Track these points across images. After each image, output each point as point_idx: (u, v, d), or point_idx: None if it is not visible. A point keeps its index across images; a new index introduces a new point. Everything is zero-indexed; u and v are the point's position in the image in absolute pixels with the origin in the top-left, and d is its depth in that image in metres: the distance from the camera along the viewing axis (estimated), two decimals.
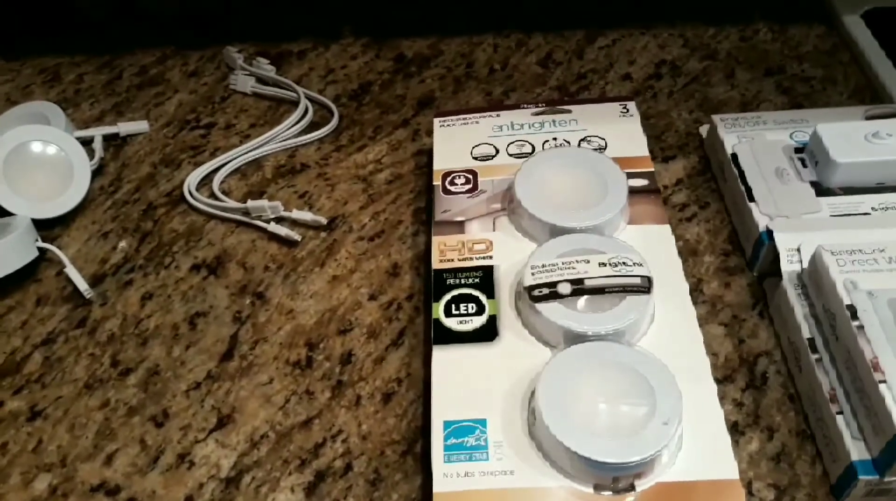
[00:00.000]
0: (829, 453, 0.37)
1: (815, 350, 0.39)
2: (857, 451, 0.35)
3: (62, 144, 0.52)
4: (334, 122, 0.57)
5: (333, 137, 0.57)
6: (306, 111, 0.58)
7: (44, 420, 0.42)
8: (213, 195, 0.52)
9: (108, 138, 0.57)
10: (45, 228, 0.51)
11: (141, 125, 0.58)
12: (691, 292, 0.42)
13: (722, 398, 0.40)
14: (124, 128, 0.58)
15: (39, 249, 0.49)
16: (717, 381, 0.41)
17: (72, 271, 0.48)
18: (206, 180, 0.54)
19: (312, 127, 0.57)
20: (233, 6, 0.69)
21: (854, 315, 0.37)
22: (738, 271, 0.46)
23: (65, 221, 0.52)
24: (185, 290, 0.48)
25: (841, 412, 0.37)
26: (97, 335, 0.46)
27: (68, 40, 0.67)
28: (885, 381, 0.34)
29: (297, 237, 0.49)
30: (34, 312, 0.47)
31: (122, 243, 0.51)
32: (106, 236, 0.51)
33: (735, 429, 0.39)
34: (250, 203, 0.50)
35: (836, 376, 0.38)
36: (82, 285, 0.47)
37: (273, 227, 0.49)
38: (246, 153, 0.55)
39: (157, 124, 0.59)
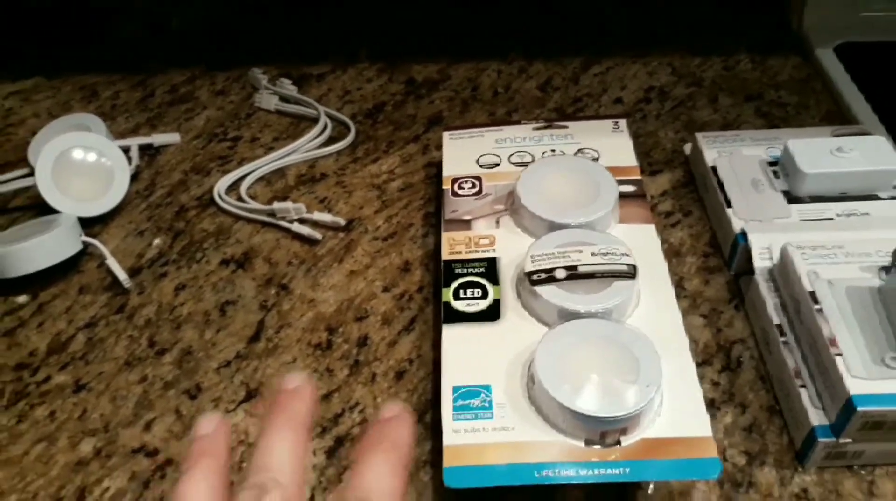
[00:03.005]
0: (794, 423, 0.42)
1: (782, 334, 0.44)
2: (817, 418, 0.40)
3: (105, 151, 0.57)
4: (351, 136, 0.62)
5: (350, 150, 0.62)
6: (325, 126, 0.63)
7: (88, 392, 0.47)
8: (240, 199, 0.57)
9: (142, 148, 0.62)
10: (87, 226, 0.56)
11: (173, 137, 0.63)
12: (674, 288, 0.47)
13: (701, 378, 0.44)
14: (158, 139, 0.63)
15: (83, 243, 0.54)
16: (697, 364, 0.45)
17: (112, 263, 0.53)
18: (233, 187, 0.59)
19: (331, 141, 0.63)
20: (258, 30, 0.75)
21: (815, 300, 0.42)
22: (717, 271, 0.51)
23: (104, 220, 0.57)
24: (215, 281, 0.53)
25: (804, 386, 0.41)
26: (135, 319, 0.51)
27: (104, 60, 0.73)
28: (840, 354, 0.39)
29: (319, 236, 0.54)
30: (77, 299, 0.52)
31: (157, 240, 0.56)
32: (142, 233, 0.56)
33: (712, 405, 0.44)
34: (276, 205, 0.55)
35: (800, 355, 0.43)
36: (122, 275, 0.52)
37: (296, 227, 0.54)
38: (270, 163, 0.60)
39: (187, 137, 0.64)
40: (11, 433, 0.45)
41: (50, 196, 0.54)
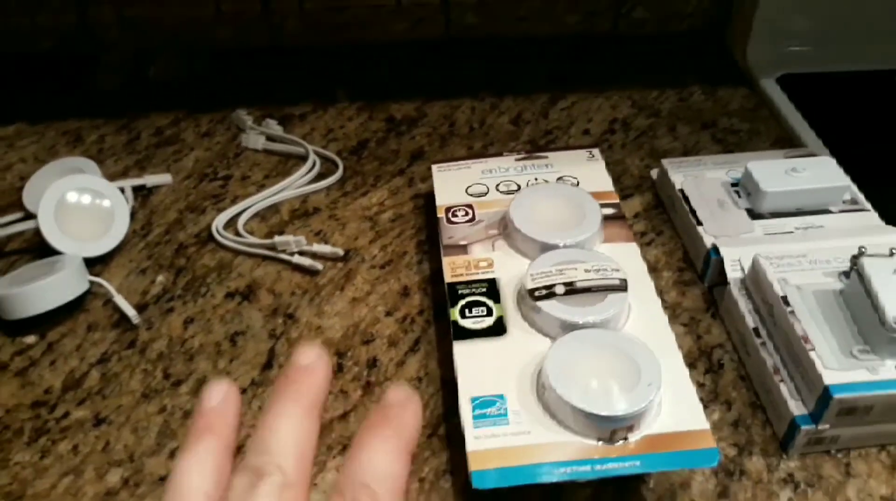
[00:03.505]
0: (776, 415, 0.46)
1: (759, 336, 0.49)
2: (797, 408, 0.45)
3: (104, 192, 0.59)
4: (339, 172, 0.66)
5: (339, 185, 0.65)
6: (315, 163, 0.66)
7: (108, 425, 0.48)
8: (237, 234, 0.60)
9: (135, 189, 0.64)
10: (88, 266, 0.57)
11: (165, 177, 0.65)
12: None
13: None
14: (150, 180, 0.65)
15: (89, 282, 0.55)
16: None
17: (120, 300, 0.54)
18: (229, 223, 0.61)
19: (319, 177, 0.66)
20: (234, 77, 0.78)
21: (787, 303, 0.47)
22: (692, 283, 0.56)
23: (104, 260, 0.59)
24: (222, 314, 0.55)
25: (783, 381, 0.46)
26: (147, 353, 0.52)
27: (85, 107, 0.74)
28: (814, 349, 0.44)
29: (320, 267, 0.57)
30: (86, 337, 0.53)
31: (160, 277, 0.57)
32: (144, 271, 0.58)
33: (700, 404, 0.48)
34: (277, 239, 0.57)
35: (776, 354, 0.47)
36: (130, 312, 0.54)
37: (297, 258, 0.57)
38: (264, 199, 0.63)
39: (178, 177, 0.66)
40: (36, 469, 0.46)
41: (53, 238, 0.56)
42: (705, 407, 0.48)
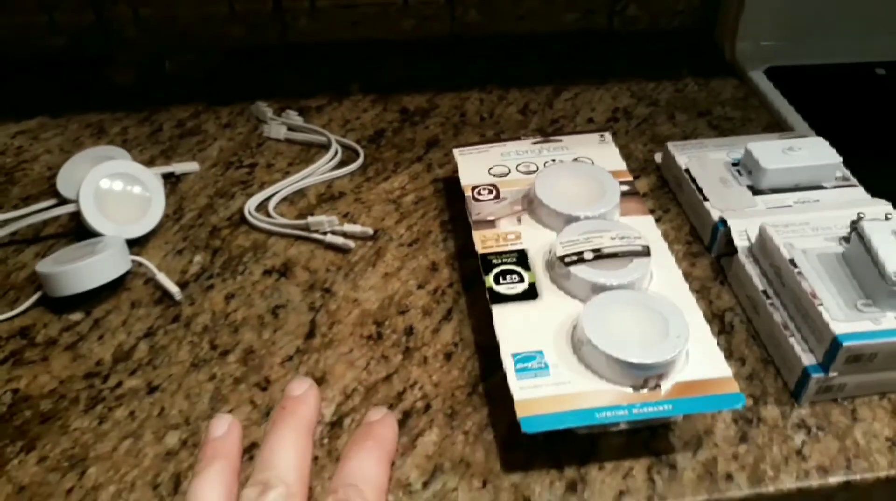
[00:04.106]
0: (787, 368, 0.50)
1: (768, 297, 0.53)
2: (808, 359, 0.49)
3: (140, 177, 0.61)
4: (361, 159, 0.69)
5: (361, 171, 0.68)
6: (337, 151, 0.69)
7: (162, 393, 0.50)
8: (269, 217, 0.63)
9: (164, 177, 0.67)
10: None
11: (192, 166, 0.68)
12: None
13: None
14: (178, 167, 0.67)
15: (132, 262, 0.57)
16: None
17: (162, 278, 0.57)
18: (259, 207, 0.64)
19: (341, 164, 0.69)
20: (249, 72, 0.80)
21: (794, 265, 0.51)
22: (700, 255, 0.60)
23: (141, 243, 0.61)
24: (262, 289, 0.57)
25: (792, 336, 0.50)
26: (192, 327, 0.55)
27: (105, 101, 0.76)
28: (822, 304, 0.48)
29: (352, 245, 0.60)
30: (131, 313, 0.56)
31: (198, 257, 0.60)
32: (181, 252, 0.61)
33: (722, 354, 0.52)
34: (311, 219, 0.60)
35: (785, 312, 0.52)
36: (173, 288, 0.56)
37: (330, 237, 0.60)
38: (292, 184, 0.66)
39: (204, 166, 0.69)
40: (96, 434, 0.48)
41: (94, 221, 0.58)
42: None
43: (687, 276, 0.58)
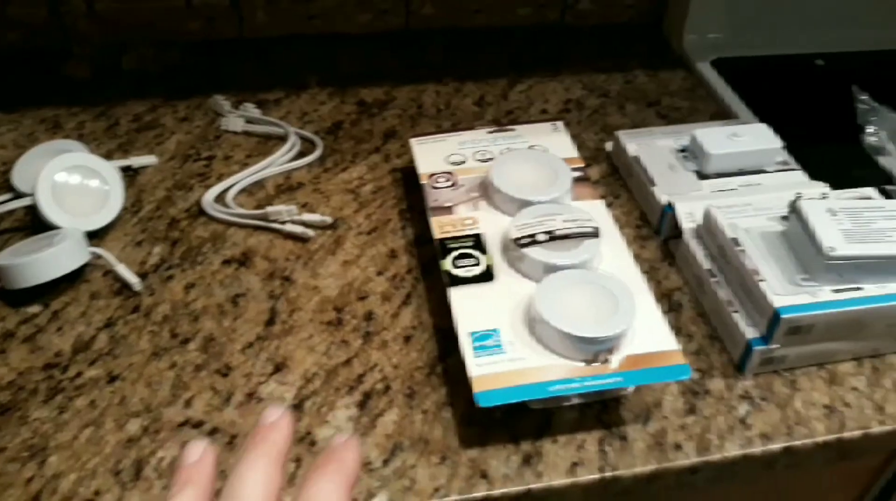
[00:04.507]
0: (732, 342, 0.53)
1: (713, 276, 0.55)
2: (751, 333, 0.51)
3: (98, 169, 0.61)
4: (319, 150, 0.70)
5: (319, 162, 0.69)
6: (295, 142, 0.70)
7: (122, 382, 0.51)
8: (228, 208, 0.63)
9: (122, 170, 0.67)
10: None
11: (150, 159, 0.68)
12: None
13: None
14: (136, 161, 0.67)
15: (90, 253, 0.58)
16: None
17: (122, 269, 0.57)
18: (217, 198, 0.65)
19: (300, 156, 0.69)
20: (207, 66, 0.81)
21: (737, 243, 0.53)
22: (649, 238, 0.62)
23: (99, 235, 0.61)
24: (221, 279, 0.58)
25: (736, 311, 0.52)
26: (152, 316, 0.55)
27: (61, 96, 0.76)
28: (763, 280, 0.51)
29: (311, 233, 0.61)
30: (90, 304, 0.56)
31: (157, 249, 0.60)
32: (140, 244, 0.61)
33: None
34: (269, 208, 0.61)
35: (729, 290, 0.54)
36: (132, 279, 0.56)
37: (289, 227, 0.61)
38: (250, 176, 0.66)
39: (162, 159, 0.69)
40: (56, 424, 0.48)
41: (52, 214, 0.58)
42: None
43: (637, 258, 0.60)
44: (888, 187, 0.66)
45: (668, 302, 0.57)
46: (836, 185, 0.61)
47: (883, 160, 0.70)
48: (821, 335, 0.50)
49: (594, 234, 0.52)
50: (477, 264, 0.52)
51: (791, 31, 0.86)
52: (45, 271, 0.54)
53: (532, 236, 0.52)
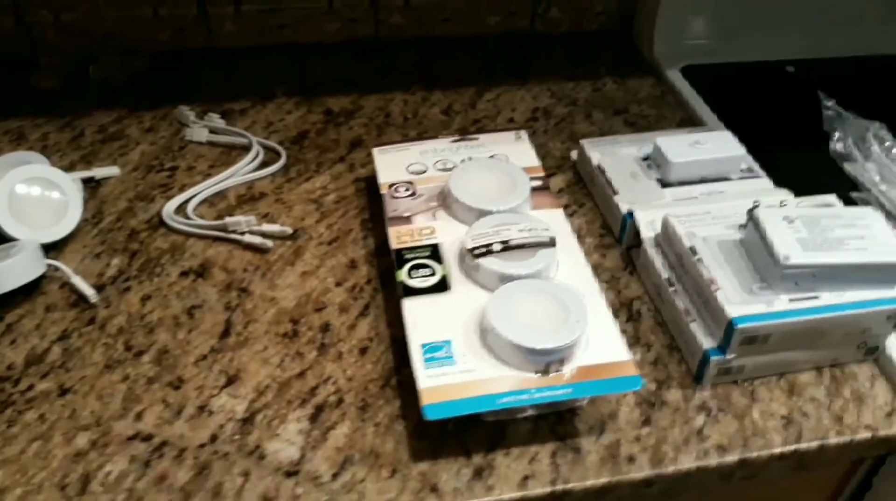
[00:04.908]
0: (689, 352, 0.52)
1: (672, 285, 0.55)
2: (707, 343, 0.51)
3: (57, 181, 0.61)
4: (283, 160, 0.69)
5: (283, 172, 0.69)
6: (258, 152, 0.70)
7: (73, 395, 0.50)
8: (187, 218, 0.63)
9: (85, 181, 0.66)
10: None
11: (112, 170, 0.68)
12: None
13: None
14: (98, 172, 0.67)
15: (47, 265, 0.57)
16: None
17: (78, 281, 0.56)
18: (178, 209, 0.64)
19: (263, 166, 0.69)
20: (174, 77, 0.80)
21: (694, 252, 0.53)
22: (611, 246, 0.62)
23: (57, 247, 0.61)
24: (178, 290, 0.57)
25: (694, 321, 0.52)
26: (107, 329, 0.55)
27: (26, 107, 0.76)
28: (719, 289, 0.50)
29: (270, 244, 0.60)
30: (45, 316, 0.55)
31: (115, 260, 0.60)
32: (98, 256, 0.60)
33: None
34: (228, 219, 0.60)
35: (688, 299, 0.53)
36: (89, 291, 0.56)
37: (248, 237, 0.60)
38: (212, 186, 0.66)
39: (125, 170, 0.69)
40: (4, 437, 0.48)
41: (8, 226, 0.58)
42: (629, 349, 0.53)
43: (598, 267, 0.60)
44: (853, 194, 0.66)
45: (629, 311, 0.57)
46: (801, 192, 0.61)
47: (849, 167, 0.69)
48: (778, 344, 0.50)
49: (550, 243, 0.52)
50: (433, 275, 0.52)
51: (763, 37, 0.86)
52: (1, 284, 0.54)
53: (487, 246, 0.51)
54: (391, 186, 0.60)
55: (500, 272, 0.50)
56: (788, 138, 0.74)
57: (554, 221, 0.56)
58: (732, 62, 0.84)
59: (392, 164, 0.62)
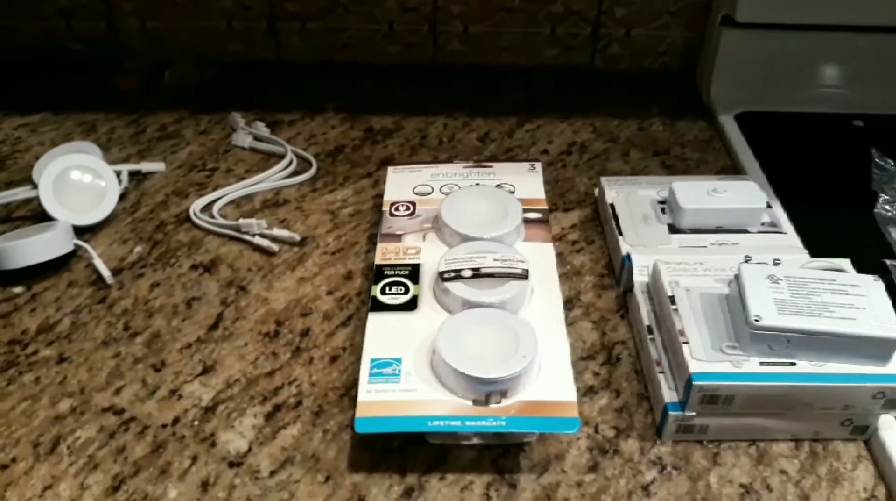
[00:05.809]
0: (656, 404, 0.51)
1: (651, 333, 0.53)
2: (669, 396, 0.49)
3: (99, 171, 0.67)
4: (312, 171, 0.73)
5: (311, 182, 0.72)
6: (291, 161, 0.73)
7: (69, 364, 0.55)
8: (212, 217, 0.67)
9: (132, 173, 0.72)
10: (79, 233, 0.65)
11: (159, 165, 0.73)
12: (571, 301, 0.58)
13: (583, 369, 0.54)
14: (145, 166, 0.73)
15: (74, 245, 0.63)
16: (581, 358, 0.54)
17: (98, 263, 0.62)
18: (207, 207, 0.69)
19: (295, 174, 0.73)
20: (240, 86, 0.86)
21: (672, 302, 0.51)
22: (610, 288, 0.61)
23: (93, 230, 0.66)
24: (185, 282, 0.61)
25: (662, 372, 0.50)
26: (114, 309, 0.59)
27: (104, 103, 0.83)
28: (687, 342, 0.48)
29: (276, 248, 0.63)
30: (66, 291, 0.61)
31: (138, 248, 0.65)
32: (125, 242, 0.65)
33: (591, 390, 0.53)
34: (241, 220, 0.64)
35: (662, 349, 0.52)
36: (106, 273, 0.61)
37: (257, 240, 0.64)
38: (241, 189, 0.70)
39: (171, 166, 0.74)
40: (1, 393, 0.53)
41: (49, 205, 0.64)
42: (595, 393, 0.52)
43: (590, 306, 0.59)
44: (888, 261, 0.62)
45: (608, 355, 0.55)
46: (829, 253, 0.57)
47: (894, 231, 0.65)
48: (745, 408, 0.48)
49: (522, 276, 0.52)
50: (405, 293, 0.53)
51: (830, 88, 0.82)
52: (28, 256, 0.60)
53: (458, 271, 0.52)
54: (393, 204, 0.62)
55: (464, 298, 0.50)
56: (833, 195, 0.69)
57: (541, 255, 0.56)
58: (794, 112, 0.80)
59: (401, 183, 0.64)
